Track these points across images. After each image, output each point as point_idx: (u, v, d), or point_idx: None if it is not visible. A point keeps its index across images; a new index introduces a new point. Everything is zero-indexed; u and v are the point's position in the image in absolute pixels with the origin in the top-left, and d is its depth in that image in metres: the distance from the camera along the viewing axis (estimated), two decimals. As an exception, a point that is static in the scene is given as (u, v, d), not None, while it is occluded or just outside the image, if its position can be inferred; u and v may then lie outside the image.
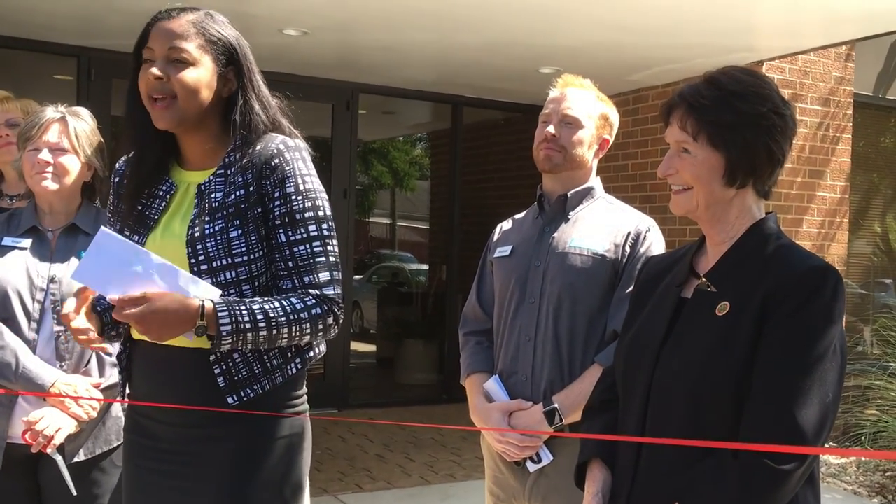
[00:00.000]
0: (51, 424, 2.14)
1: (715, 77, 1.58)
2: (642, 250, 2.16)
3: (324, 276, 1.75)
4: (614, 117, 2.33)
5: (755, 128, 1.53)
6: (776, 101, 1.56)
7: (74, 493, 2.16)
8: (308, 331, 1.71)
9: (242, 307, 1.64)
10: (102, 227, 1.65)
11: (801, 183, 6.08)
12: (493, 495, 2.30)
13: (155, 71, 1.71)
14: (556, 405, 2.11)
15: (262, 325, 1.65)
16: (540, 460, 2.15)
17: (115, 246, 1.62)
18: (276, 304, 1.68)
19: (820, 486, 1.57)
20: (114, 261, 1.60)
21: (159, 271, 1.62)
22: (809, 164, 6.13)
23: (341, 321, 1.78)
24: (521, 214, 2.43)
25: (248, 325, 1.63)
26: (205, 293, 1.64)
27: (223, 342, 1.63)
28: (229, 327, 1.62)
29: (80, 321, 1.68)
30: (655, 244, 2.19)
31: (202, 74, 1.73)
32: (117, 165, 1.94)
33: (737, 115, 1.53)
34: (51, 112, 2.30)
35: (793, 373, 1.42)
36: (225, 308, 1.62)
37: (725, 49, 5.22)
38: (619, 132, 2.36)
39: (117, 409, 2.29)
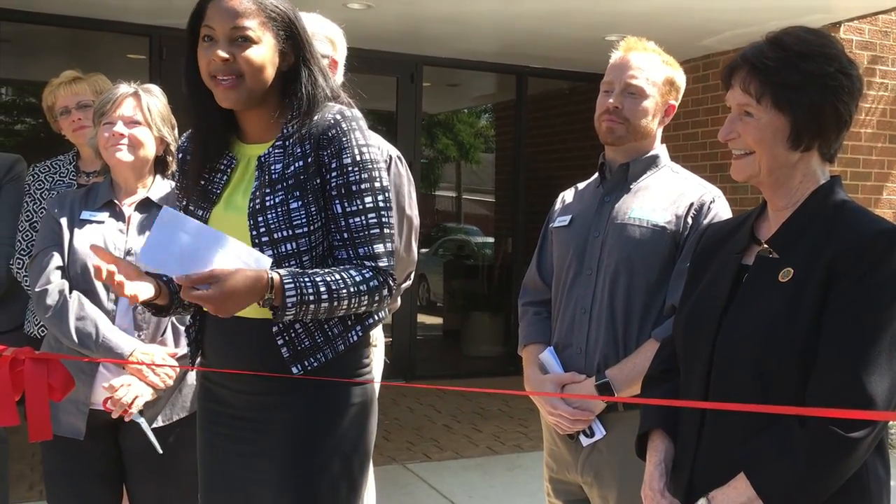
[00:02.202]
0: (129, 392, 2.23)
1: (778, 37, 1.53)
2: (705, 222, 2.07)
3: (378, 247, 1.76)
4: (681, 80, 2.23)
5: (822, 88, 1.49)
6: (843, 61, 1.51)
7: (160, 451, 2.25)
8: (365, 302, 1.74)
9: (307, 279, 1.66)
10: (164, 206, 1.68)
11: (881, 148, 5.84)
12: (548, 467, 2.29)
13: (221, 53, 1.70)
14: (608, 379, 2.07)
15: (325, 297, 1.67)
16: (593, 434, 2.11)
17: (177, 223, 1.63)
18: (337, 277, 1.69)
19: (889, 455, 1.53)
20: (177, 238, 1.61)
21: (220, 244, 1.62)
22: (891, 128, 5.88)
23: (394, 292, 1.79)
24: (584, 184, 2.38)
25: (311, 297, 1.65)
26: (259, 262, 1.65)
27: (287, 313, 1.66)
28: (294, 299, 1.64)
29: (131, 287, 1.65)
30: (720, 215, 2.10)
31: (266, 52, 1.73)
32: (180, 142, 1.97)
33: (802, 75, 1.48)
34: (124, 88, 2.38)
35: (861, 339, 1.39)
36: (291, 280, 1.65)
37: (800, 10, 5.03)
38: (689, 100, 2.29)
39: (193, 378, 2.36)
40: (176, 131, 2.46)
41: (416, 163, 6.73)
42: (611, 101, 2.16)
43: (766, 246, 1.56)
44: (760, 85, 1.50)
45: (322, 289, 1.67)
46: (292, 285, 1.64)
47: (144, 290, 1.70)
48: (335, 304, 1.69)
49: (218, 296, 1.57)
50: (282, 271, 1.66)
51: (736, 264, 1.60)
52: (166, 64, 5.87)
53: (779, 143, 1.51)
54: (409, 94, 6.77)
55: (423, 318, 8.14)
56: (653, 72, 2.17)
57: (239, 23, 1.71)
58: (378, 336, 2.69)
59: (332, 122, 1.75)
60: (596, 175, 2.31)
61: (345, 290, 1.69)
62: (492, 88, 9.03)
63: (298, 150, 1.76)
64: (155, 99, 2.40)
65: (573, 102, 7.97)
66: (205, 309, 1.82)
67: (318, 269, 1.71)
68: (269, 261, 1.66)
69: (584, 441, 2.13)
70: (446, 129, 12.91)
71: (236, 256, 1.63)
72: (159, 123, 2.38)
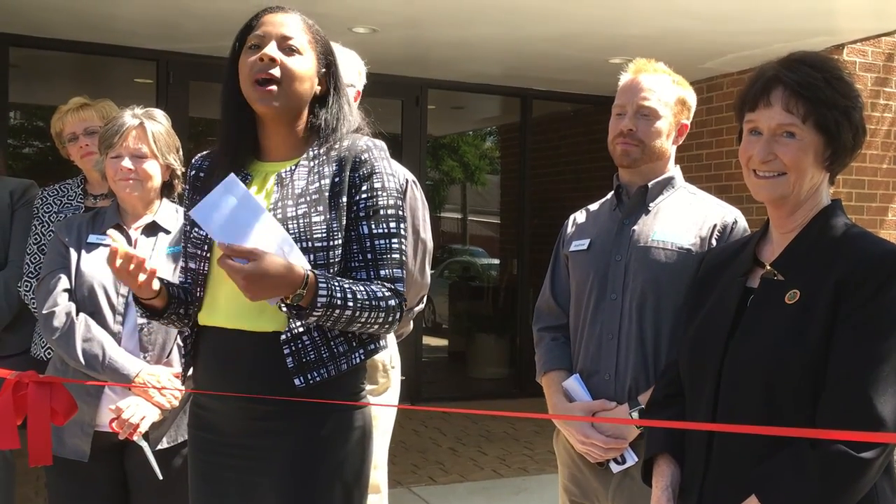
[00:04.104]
0: (136, 413, 2.23)
1: (807, 58, 1.54)
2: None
3: (397, 272, 1.80)
4: (692, 100, 2.22)
5: (857, 111, 1.52)
6: (856, 87, 1.57)
7: (161, 478, 2.24)
8: (381, 319, 1.75)
9: (336, 283, 1.68)
10: (231, 174, 1.69)
11: (886, 170, 5.84)
12: (569, 493, 2.23)
13: (269, 51, 1.76)
14: (643, 406, 2.00)
15: (350, 304, 1.68)
16: (624, 461, 2.06)
17: (238, 194, 1.65)
18: (362, 288, 1.72)
19: None
20: (232, 208, 1.63)
21: (270, 230, 1.65)
22: (895, 150, 5.88)
23: (405, 316, 1.81)
24: (596, 206, 2.34)
25: (339, 302, 1.67)
26: (298, 261, 1.67)
27: (314, 313, 1.65)
28: (325, 299, 1.65)
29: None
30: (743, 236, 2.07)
31: (308, 66, 1.81)
32: (194, 160, 1.99)
33: (844, 97, 1.51)
34: (129, 119, 2.38)
35: (870, 359, 1.39)
36: (324, 281, 1.66)
37: (804, 33, 5.06)
38: (693, 121, 2.26)
39: (197, 400, 2.36)
40: (180, 154, 2.48)
41: (422, 185, 6.75)
42: (624, 123, 2.14)
43: (770, 268, 1.56)
44: (807, 104, 1.49)
45: (349, 295, 1.68)
46: (325, 285, 1.66)
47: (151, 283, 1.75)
48: (357, 313, 1.70)
49: (252, 272, 1.58)
50: (315, 271, 1.68)
51: (740, 287, 1.60)
52: (173, 88, 5.92)
53: (816, 163, 1.52)
54: (414, 117, 6.81)
55: (428, 340, 8.13)
56: (664, 92, 2.15)
57: (289, 33, 1.79)
58: (395, 358, 2.70)
59: (365, 147, 1.82)
60: (609, 197, 2.28)
61: (368, 302, 1.71)
62: (496, 111, 9.07)
63: (326, 170, 1.79)
64: (159, 126, 2.42)
65: (578, 125, 8.00)
66: (201, 323, 1.83)
67: (343, 279, 1.73)
68: (307, 263, 1.68)
69: (615, 468, 2.07)
70: (451, 152, 12.96)
71: (279, 247, 1.65)
72: (165, 151, 2.40)
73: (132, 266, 1.70)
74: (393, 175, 1.84)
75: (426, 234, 2.64)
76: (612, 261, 2.14)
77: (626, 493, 2.07)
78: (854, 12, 4.78)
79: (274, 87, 1.76)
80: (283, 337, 1.73)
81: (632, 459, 2.05)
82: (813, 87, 1.49)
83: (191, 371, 1.91)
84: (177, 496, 2.30)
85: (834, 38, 5.30)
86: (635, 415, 2.02)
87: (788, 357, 1.45)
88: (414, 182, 2.61)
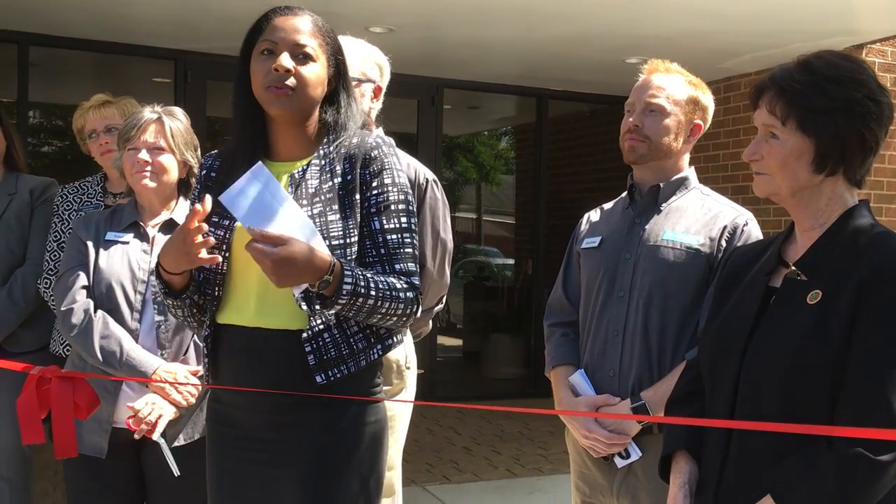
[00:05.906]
0: (153, 410, 2.25)
1: (809, 61, 1.54)
2: (739, 245, 2.06)
3: (411, 265, 1.82)
4: (707, 101, 2.23)
5: (848, 114, 1.49)
6: (872, 88, 1.52)
7: (178, 474, 2.26)
8: (399, 311, 1.77)
9: (359, 271, 1.71)
10: (259, 162, 1.71)
11: (905, 171, 5.79)
12: (580, 491, 2.25)
13: (284, 62, 1.76)
14: (644, 401, 2.05)
15: (373, 293, 1.71)
16: (628, 456, 2.09)
17: (265, 181, 1.67)
18: (381, 278, 1.75)
19: None
20: (260, 195, 1.65)
21: (296, 217, 1.67)
22: (915, 150, 5.83)
23: (420, 312, 1.83)
24: (610, 204, 2.37)
25: (363, 290, 1.69)
26: (322, 249, 1.68)
27: (339, 301, 1.67)
28: (350, 287, 1.67)
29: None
30: (753, 238, 2.09)
31: (321, 71, 1.82)
32: (204, 159, 2.01)
33: (829, 100, 1.49)
34: (148, 113, 2.41)
35: (890, 361, 1.38)
36: (349, 269, 1.69)
37: (822, 33, 5.02)
38: (710, 122, 2.27)
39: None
40: (199, 152, 2.49)
41: (437, 185, 6.76)
42: (631, 119, 2.18)
43: (793, 268, 1.56)
44: (786, 107, 1.51)
45: (371, 284, 1.71)
46: (350, 272, 1.69)
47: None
48: (379, 303, 1.72)
49: (281, 256, 1.59)
50: (340, 259, 1.70)
51: (763, 286, 1.60)
52: (191, 87, 5.96)
53: (801, 166, 1.52)
54: (429, 117, 6.82)
55: (442, 340, 8.13)
56: (675, 91, 2.18)
57: (301, 39, 1.79)
58: (411, 358, 2.70)
59: (375, 144, 1.83)
60: (622, 196, 2.30)
61: (388, 292, 1.74)
62: (512, 111, 9.06)
63: (338, 168, 1.81)
64: (178, 122, 2.43)
65: (594, 125, 7.98)
66: (220, 322, 1.84)
67: (363, 269, 1.75)
68: (328, 251, 1.70)
69: (620, 463, 2.10)
70: (467, 152, 12.95)
71: (304, 234, 1.66)
72: (182, 147, 2.42)
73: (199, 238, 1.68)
74: (402, 170, 1.86)
75: (446, 234, 2.63)
76: (622, 258, 2.17)
77: (630, 488, 2.10)
78: (873, 12, 4.74)
79: (285, 92, 1.77)
80: (305, 335, 1.74)
81: (636, 454, 2.08)
82: (792, 91, 1.50)
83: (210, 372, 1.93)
84: (193, 492, 2.32)
85: (853, 38, 5.27)
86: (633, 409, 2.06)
87: (808, 357, 1.44)
88: (435, 182, 2.59)
